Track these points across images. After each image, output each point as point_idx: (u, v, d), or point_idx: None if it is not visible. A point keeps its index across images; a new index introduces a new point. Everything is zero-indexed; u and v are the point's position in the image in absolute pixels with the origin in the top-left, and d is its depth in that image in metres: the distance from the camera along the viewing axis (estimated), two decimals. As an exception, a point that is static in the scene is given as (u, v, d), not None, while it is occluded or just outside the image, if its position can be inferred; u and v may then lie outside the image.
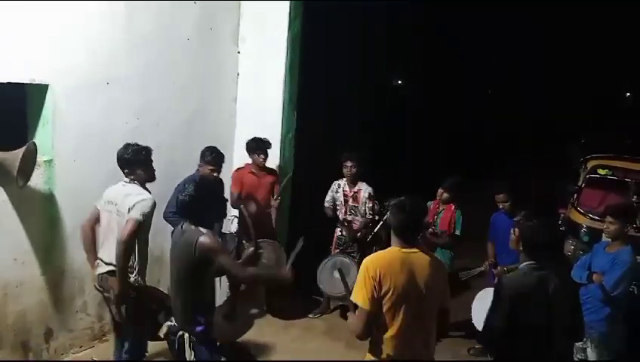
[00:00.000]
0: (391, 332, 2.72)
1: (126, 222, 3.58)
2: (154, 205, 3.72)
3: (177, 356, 3.12)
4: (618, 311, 3.92)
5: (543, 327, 2.89)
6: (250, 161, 5.32)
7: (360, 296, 2.70)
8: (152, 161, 3.85)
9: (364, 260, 2.80)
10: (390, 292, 2.67)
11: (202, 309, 3.11)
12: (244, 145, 5.31)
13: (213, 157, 4.60)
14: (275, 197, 5.37)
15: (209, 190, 3.21)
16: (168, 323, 3.16)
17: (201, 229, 3.04)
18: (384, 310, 2.70)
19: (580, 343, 4.07)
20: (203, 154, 4.64)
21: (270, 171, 5.42)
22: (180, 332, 3.07)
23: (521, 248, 3.03)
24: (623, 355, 4.10)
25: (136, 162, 3.75)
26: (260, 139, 5.26)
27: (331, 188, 5.60)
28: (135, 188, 3.75)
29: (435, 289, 2.79)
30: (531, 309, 2.89)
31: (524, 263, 3.00)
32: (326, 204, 5.62)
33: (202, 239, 2.96)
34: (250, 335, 5.04)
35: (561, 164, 9.05)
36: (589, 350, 4.03)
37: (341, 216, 5.54)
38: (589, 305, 3.95)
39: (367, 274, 2.70)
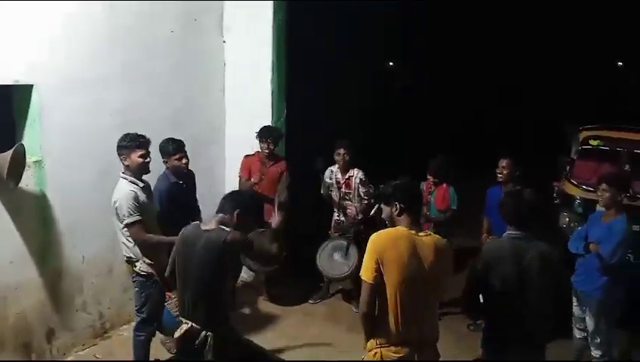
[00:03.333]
0: (395, 310, 2.72)
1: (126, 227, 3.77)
2: (134, 197, 3.74)
3: (195, 356, 3.05)
4: (615, 279, 3.94)
5: (518, 295, 2.93)
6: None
7: (364, 270, 2.75)
8: (148, 150, 3.88)
9: (371, 236, 2.82)
10: (395, 269, 2.69)
11: (226, 309, 3.14)
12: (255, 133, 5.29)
13: (174, 146, 4.42)
14: (277, 194, 5.26)
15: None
16: (185, 325, 3.06)
17: (225, 228, 3.04)
18: (388, 286, 2.71)
19: (579, 312, 4.13)
20: (162, 148, 4.39)
21: (278, 160, 5.40)
22: (204, 333, 3.01)
23: (502, 217, 3.10)
24: (620, 322, 4.14)
25: (130, 147, 3.79)
26: (268, 127, 5.30)
27: (325, 175, 5.60)
28: (120, 184, 3.82)
29: (439, 269, 2.79)
30: (504, 276, 2.94)
31: (507, 232, 3.08)
32: (322, 191, 5.63)
33: (230, 236, 2.98)
34: (250, 322, 5.06)
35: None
36: (587, 319, 4.07)
37: (336, 202, 5.55)
38: (587, 274, 3.99)
39: (373, 249, 2.74)
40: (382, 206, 2.97)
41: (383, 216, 2.99)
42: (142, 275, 3.90)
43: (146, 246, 3.82)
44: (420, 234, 2.81)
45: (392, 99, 11.89)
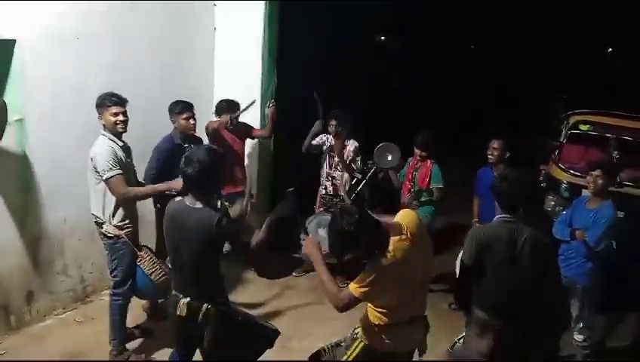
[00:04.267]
0: (396, 299, 2.68)
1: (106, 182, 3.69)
2: (112, 153, 3.68)
3: (195, 332, 2.99)
4: (599, 265, 3.96)
5: (511, 279, 2.96)
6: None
7: (359, 289, 2.60)
8: (124, 110, 3.78)
9: (379, 264, 2.57)
10: (398, 271, 2.60)
11: (221, 284, 3.06)
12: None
13: (183, 106, 4.45)
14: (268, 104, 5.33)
15: (217, 163, 3.00)
16: (184, 300, 2.95)
17: (212, 211, 2.90)
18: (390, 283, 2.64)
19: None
20: (171, 108, 4.48)
21: (243, 125, 5.33)
22: (206, 307, 2.92)
23: (495, 200, 3.09)
24: (603, 307, 4.19)
25: (103, 105, 3.73)
26: (230, 101, 5.13)
27: (317, 137, 5.43)
28: (99, 140, 3.76)
29: (425, 243, 2.77)
30: (499, 260, 2.96)
31: (497, 216, 3.08)
32: (304, 147, 5.42)
33: (222, 225, 2.83)
34: (234, 294, 5.05)
35: (540, 119, 9.06)
36: (570, 304, 4.10)
37: (326, 171, 5.49)
38: (572, 260, 3.99)
39: (375, 275, 2.57)
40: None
41: None
42: (109, 237, 3.82)
43: (128, 201, 3.74)
44: (403, 215, 2.74)
45: (381, 67, 11.75)
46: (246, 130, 5.35)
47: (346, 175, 5.39)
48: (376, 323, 2.76)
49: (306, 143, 5.39)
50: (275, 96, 5.79)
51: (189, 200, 2.95)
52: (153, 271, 3.85)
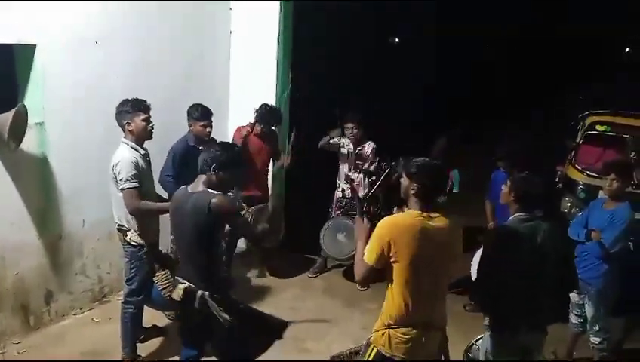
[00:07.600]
0: (405, 294, 2.69)
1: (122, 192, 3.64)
2: (134, 163, 3.61)
3: (194, 316, 3.07)
4: (615, 267, 3.93)
5: (532, 278, 2.98)
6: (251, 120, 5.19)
7: (368, 252, 2.70)
8: (149, 116, 3.72)
9: (382, 221, 2.73)
10: (405, 255, 2.64)
11: (218, 269, 3.16)
12: (254, 109, 5.13)
13: (202, 112, 4.49)
14: (286, 156, 5.25)
15: (234, 156, 3.12)
16: (182, 285, 3.05)
17: (211, 191, 2.99)
18: (399, 271, 2.67)
19: (578, 299, 4.14)
20: (190, 112, 4.53)
21: (271, 134, 5.34)
22: (200, 293, 3.01)
23: (513, 199, 3.09)
24: (619, 309, 4.16)
25: (132, 112, 3.66)
26: (276, 110, 5.19)
27: (334, 139, 5.38)
28: (121, 149, 3.69)
29: (449, 252, 2.78)
30: (520, 260, 2.96)
31: (515, 215, 3.08)
32: (320, 144, 5.39)
33: (215, 201, 2.93)
34: (247, 294, 5.08)
35: (555, 118, 9.00)
36: (586, 306, 4.07)
37: (344, 172, 5.47)
38: (587, 261, 3.98)
39: (380, 234, 2.67)
40: (402, 176, 2.82)
41: (401, 180, 2.84)
42: (133, 245, 3.78)
43: (139, 215, 3.70)
44: (431, 216, 2.73)
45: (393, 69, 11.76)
46: (274, 145, 5.33)
47: (360, 175, 5.40)
48: (387, 323, 2.77)
49: (324, 141, 5.36)
50: (290, 96, 5.81)
51: (190, 187, 3.07)
52: (165, 287, 3.70)
